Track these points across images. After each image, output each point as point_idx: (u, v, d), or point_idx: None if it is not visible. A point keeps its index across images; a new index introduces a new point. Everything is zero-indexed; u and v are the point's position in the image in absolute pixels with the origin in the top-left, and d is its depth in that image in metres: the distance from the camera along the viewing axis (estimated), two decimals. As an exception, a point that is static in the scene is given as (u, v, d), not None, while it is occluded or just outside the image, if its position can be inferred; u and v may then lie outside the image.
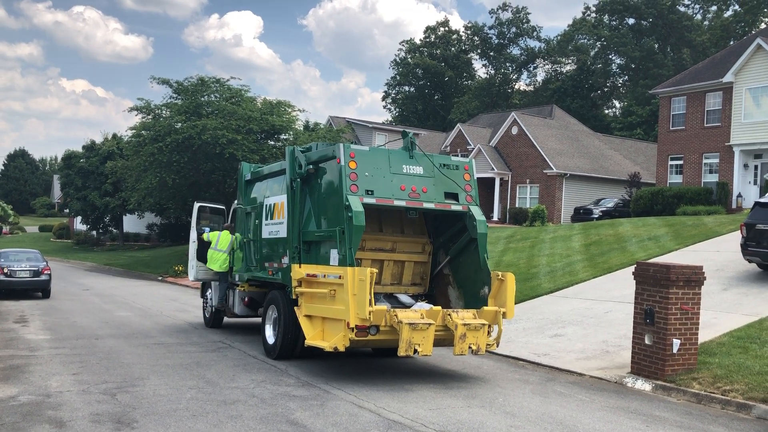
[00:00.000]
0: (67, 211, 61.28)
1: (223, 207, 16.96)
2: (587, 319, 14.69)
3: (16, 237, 69.96)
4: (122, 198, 47.69)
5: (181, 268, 33.25)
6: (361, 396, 8.90)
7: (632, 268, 18.62)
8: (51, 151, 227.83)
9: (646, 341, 10.33)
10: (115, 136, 55.82)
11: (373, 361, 11.77)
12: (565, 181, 41.72)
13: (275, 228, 12.22)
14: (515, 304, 17.09)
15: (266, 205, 12.76)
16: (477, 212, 11.05)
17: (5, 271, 21.30)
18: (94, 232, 58.45)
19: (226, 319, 15.63)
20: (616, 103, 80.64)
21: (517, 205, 43.32)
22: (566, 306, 16.25)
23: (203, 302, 16.37)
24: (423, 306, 10.53)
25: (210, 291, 15.70)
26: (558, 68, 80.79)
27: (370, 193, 10.30)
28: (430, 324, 9.35)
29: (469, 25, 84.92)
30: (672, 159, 35.00)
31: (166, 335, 14.08)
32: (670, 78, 55.67)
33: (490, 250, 25.83)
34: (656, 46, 70.10)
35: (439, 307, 10.09)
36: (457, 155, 49.12)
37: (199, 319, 16.78)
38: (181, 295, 24.75)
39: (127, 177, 38.95)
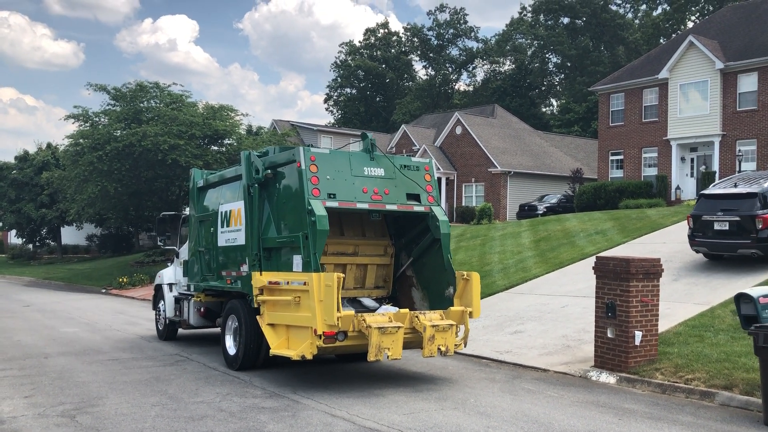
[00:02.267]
0: (0, 225, 58.82)
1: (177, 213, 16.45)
2: (545, 315, 14.86)
3: (-55, 253, 66.88)
4: (60, 209, 46.13)
5: (125, 280, 32.27)
6: (332, 404, 8.73)
7: (583, 263, 19.23)
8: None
9: (609, 335, 10.49)
10: (49, 145, 53.93)
11: (337, 366, 11.62)
12: (509, 178, 42.36)
13: (232, 235, 11.88)
14: (472, 302, 17.38)
15: (221, 212, 12.39)
16: (439, 212, 11.03)
17: (-61, 290, 20.23)
18: (31, 246, 56.37)
19: (180, 330, 15.23)
20: (554, 102, 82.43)
21: (463, 204, 43.76)
22: (523, 302, 16.42)
23: (156, 314, 15.88)
24: (389, 309, 10.40)
25: (162, 302, 15.27)
26: (497, 68, 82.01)
27: (332, 196, 10.14)
28: (399, 327, 9.28)
29: (408, 26, 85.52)
30: (612, 154, 35.93)
31: (120, 350, 13.58)
32: (607, 75, 57.21)
33: (441, 250, 26.07)
34: (591, 44, 71.86)
35: (407, 310, 9.98)
36: (403, 156, 49.36)
37: (152, 332, 16.27)
38: (128, 308, 24.00)
39: (66, 187, 37.62)
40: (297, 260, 10.05)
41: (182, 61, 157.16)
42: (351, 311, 9.57)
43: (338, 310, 9.07)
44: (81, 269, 44.35)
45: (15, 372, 11.18)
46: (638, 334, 10.22)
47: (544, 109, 79.77)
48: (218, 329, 12.68)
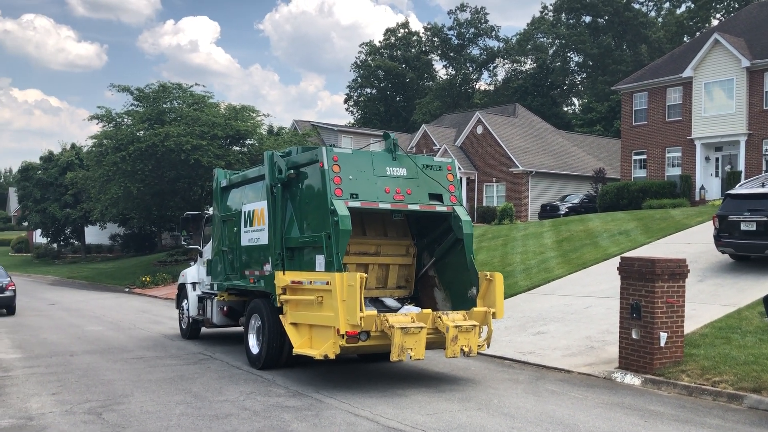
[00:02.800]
0: (25, 224, 59.65)
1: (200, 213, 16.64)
2: (568, 316, 14.75)
3: (-28, 252, 67.98)
4: (84, 209, 46.66)
5: (148, 279, 32.58)
6: (355, 403, 8.74)
7: (606, 263, 19.06)
8: (4, 163, 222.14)
9: (634, 336, 10.38)
10: (73, 146, 54.54)
11: (359, 366, 11.63)
12: (530, 178, 42.10)
13: (255, 235, 11.92)
14: (495, 303, 17.31)
15: (244, 212, 12.42)
16: (462, 212, 10.96)
17: (-33, 288, 20.56)
18: (55, 245, 57.06)
19: (204, 329, 15.32)
20: (575, 101, 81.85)
21: (484, 204, 43.59)
22: (545, 303, 16.31)
23: (179, 313, 16.05)
24: (412, 309, 10.39)
25: (186, 301, 15.38)
26: (518, 67, 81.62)
27: (354, 196, 10.13)
28: (422, 327, 9.24)
29: (429, 26, 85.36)
30: (636, 154, 35.56)
31: (144, 349, 13.71)
32: (629, 74, 56.65)
33: (463, 250, 25.99)
34: (613, 43, 71.26)
35: (429, 310, 9.95)
36: (425, 156, 49.25)
37: (175, 331, 16.42)
38: (152, 307, 24.22)
39: (89, 187, 38.05)
40: (320, 260, 10.04)
41: (204, 62, 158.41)
42: (374, 311, 9.56)
43: (361, 309, 9.03)
44: (104, 268, 44.85)
45: (42, 369, 11.33)
46: (663, 336, 10.10)
47: (565, 109, 79.23)
48: (241, 328, 12.69)
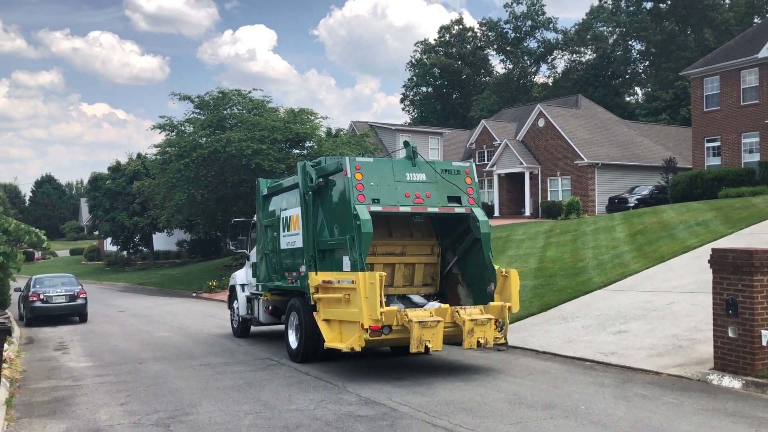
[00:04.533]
0: (96, 233, 61.44)
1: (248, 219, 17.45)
2: (650, 313, 13.89)
3: (49, 262, 70.54)
4: (151, 216, 47.64)
5: (215, 283, 32.87)
6: (431, 412, 8.25)
7: (687, 256, 18.02)
8: (76, 175, 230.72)
9: (730, 334, 9.55)
10: (139, 155, 55.82)
11: (428, 370, 11.13)
12: (597, 170, 40.73)
13: (292, 239, 12.74)
14: (568, 300, 16.58)
15: (283, 218, 13.31)
16: (479, 213, 11.63)
17: (41, 297, 21.01)
18: (125, 253, 58.54)
19: (252, 327, 16.09)
20: (638, 90, 79.23)
21: (549, 199, 42.42)
22: (623, 300, 15.45)
23: (231, 313, 16.92)
24: (433, 305, 11.00)
25: (236, 302, 16.30)
26: (577, 58, 79.57)
27: (376, 201, 10.94)
28: (438, 321, 9.95)
29: (484, 21, 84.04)
30: (708, 141, 33.92)
31: (211, 355, 13.55)
32: (694, 60, 54.39)
33: (530, 246, 25.20)
34: (677, 28, 68.57)
35: (447, 305, 10.64)
36: (483, 152, 48.50)
37: (246, 338, 16.25)
38: (218, 311, 24.28)
39: (155, 195, 38.75)
40: (346, 260, 10.83)
41: (261, 70, 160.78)
42: (394, 307, 10.23)
43: (381, 305, 9.82)
44: (172, 274, 45.65)
45: (111, 378, 11.25)
46: (765, 334, 9.24)
47: (627, 99, 76.70)
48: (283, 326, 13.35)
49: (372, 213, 10.74)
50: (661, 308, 14.02)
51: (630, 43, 73.61)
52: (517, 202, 45.46)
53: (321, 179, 11.71)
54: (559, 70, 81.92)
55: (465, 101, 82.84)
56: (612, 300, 15.70)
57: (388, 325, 9.87)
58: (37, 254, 72.68)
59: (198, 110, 35.29)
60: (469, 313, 10.43)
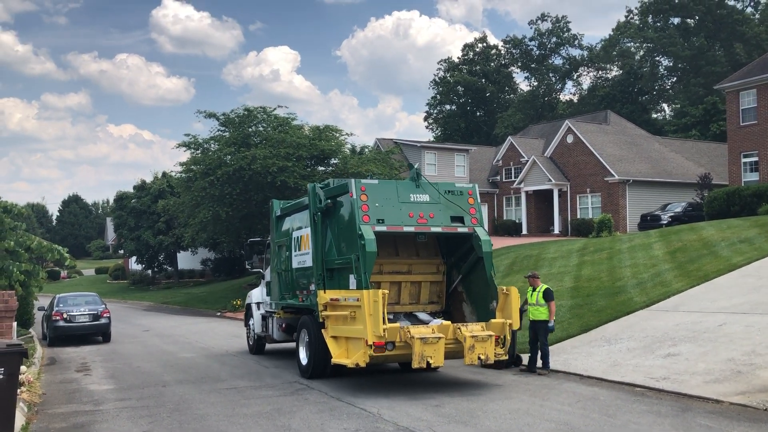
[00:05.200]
0: (121, 251, 61.56)
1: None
2: (700, 335, 13.07)
3: (74, 281, 70.81)
4: (176, 235, 47.46)
5: (239, 303, 32.41)
6: (477, 444, 7.58)
7: (733, 275, 17.13)
8: (102, 195, 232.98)
9: (800, 359, 8.77)
10: (164, 174, 55.87)
11: (465, 395, 10.44)
12: (628, 187, 39.81)
13: (303, 258, 13.00)
14: (609, 321, 15.78)
15: (294, 238, 13.62)
16: (482, 233, 11.92)
17: (65, 316, 20.64)
18: (150, 271, 58.44)
19: (267, 345, 16.56)
20: (665, 107, 78.04)
21: (578, 216, 41.53)
22: (669, 321, 14.63)
23: (247, 330, 17.41)
24: (436, 322, 11.28)
25: (252, 320, 16.72)
26: (603, 75, 78.72)
27: (381, 221, 11.29)
28: (440, 338, 10.26)
29: (508, 38, 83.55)
30: (745, 156, 32.90)
31: (237, 378, 12.99)
32: (724, 75, 53.36)
33: (563, 264, 24.39)
34: (706, 43, 67.50)
35: (449, 322, 10.97)
36: (510, 169, 47.78)
37: (272, 358, 15.78)
38: (243, 331, 23.61)
39: (180, 213, 38.53)
40: (352, 279, 11.08)
41: (285, 90, 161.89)
42: (397, 324, 10.54)
43: (384, 322, 10.16)
44: (197, 293, 45.34)
45: (134, 402, 10.72)
46: (841, 359, 8.46)
47: (654, 116, 75.48)
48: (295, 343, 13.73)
49: (377, 233, 11.08)
50: (712, 330, 13.19)
51: (657, 59, 72.67)
52: (545, 220, 44.61)
53: (329, 200, 12.06)
54: (584, 86, 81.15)
55: (489, 119, 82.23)
56: (656, 321, 14.88)
57: (391, 341, 10.21)
58: (63, 273, 73.01)
59: (223, 128, 35.09)
60: (471, 329, 10.72)
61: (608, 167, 39.79)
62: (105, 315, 21.19)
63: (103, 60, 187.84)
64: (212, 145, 34.75)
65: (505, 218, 47.55)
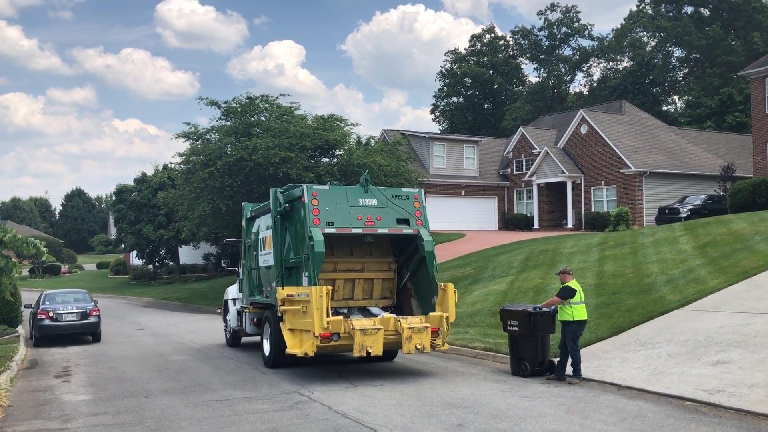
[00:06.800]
0: (122, 246, 60.19)
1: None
2: (751, 339, 11.62)
3: (75, 275, 69.59)
4: (176, 229, 46.08)
5: (239, 299, 31.02)
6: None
7: (776, 271, 15.65)
8: (107, 189, 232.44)
9: None
10: (166, 167, 54.43)
11: (489, 407, 9.02)
12: (644, 179, 38.23)
13: (267, 257, 13.79)
14: (641, 322, 14.28)
15: (260, 239, 14.50)
16: (425, 234, 12.87)
17: (51, 315, 19.27)
18: (151, 266, 57.12)
19: (243, 339, 17.39)
20: (676, 99, 76.21)
21: (593, 209, 39.99)
22: (711, 322, 13.18)
23: (224, 325, 18.26)
24: (383, 315, 12.17)
25: (229, 315, 17.63)
26: (614, 66, 76.94)
27: (330, 224, 12.21)
28: (379, 329, 11.26)
29: (517, 29, 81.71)
30: (771, 146, 31.32)
31: (231, 386, 11.59)
32: (742, 64, 51.70)
33: (583, 260, 22.86)
34: (721, 32, 65.67)
35: (390, 315, 12.06)
36: (521, 160, 46.19)
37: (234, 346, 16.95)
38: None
39: (179, 206, 37.14)
40: (304, 277, 11.99)
41: (290, 85, 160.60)
42: (340, 317, 11.49)
43: (328, 316, 11.14)
44: (198, 288, 43.97)
45: (108, 419, 9.31)
46: None
47: (665, 108, 73.62)
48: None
49: (327, 234, 12.06)
50: (764, 334, 11.74)
51: (670, 48, 70.89)
52: (558, 214, 43.09)
53: (287, 204, 12.91)
54: (595, 78, 79.37)
55: (497, 111, 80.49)
56: (696, 322, 13.43)
57: (336, 332, 11.19)
58: (64, 268, 71.88)
59: (224, 117, 33.64)
60: (410, 322, 11.71)
61: (624, 158, 38.23)
62: (94, 313, 19.82)
63: (109, 55, 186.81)
64: (212, 136, 33.33)
65: (516, 212, 46.04)
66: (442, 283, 12.57)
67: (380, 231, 12.69)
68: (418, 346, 11.42)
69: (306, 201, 12.12)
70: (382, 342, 11.15)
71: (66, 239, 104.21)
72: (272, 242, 13.21)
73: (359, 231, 12.50)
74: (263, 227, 14.39)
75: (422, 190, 13.84)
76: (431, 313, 12.15)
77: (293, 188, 13.13)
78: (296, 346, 11.76)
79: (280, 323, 12.16)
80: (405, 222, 12.88)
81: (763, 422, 8.11)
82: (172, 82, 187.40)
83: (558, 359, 11.69)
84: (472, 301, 20.17)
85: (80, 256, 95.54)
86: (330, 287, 11.43)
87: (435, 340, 11.89)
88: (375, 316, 12.43)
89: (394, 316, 11.91)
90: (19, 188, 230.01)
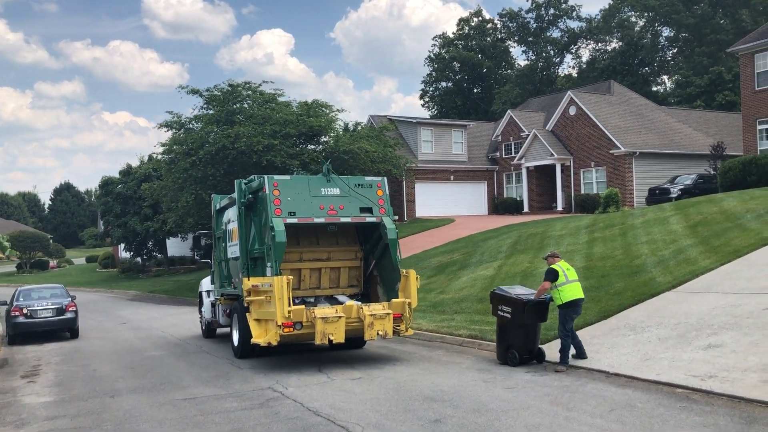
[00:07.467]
0: (109, 239, 59.50)
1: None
2: (743, 321, 11.17)
3: (63, 270, 68.83)
4: (161, 220, 45.42)
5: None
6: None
7: (768, 249, 15.23)
8: (96, 183, 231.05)
9: None
10: (151, 158, 53.63)
11: (469, 401, 8.55)
12: (634, 160, 37.78)
13: (233, 249, 13.74)
14: (631, 306, 13.81)
15: (228, 230, 14.46)
16: (388, 222, 12.80)
17: (25, 311, 18.68)
18: (139, 259, 56.44)
19: (218, 330, 17.30)
20: (666, 78, 75.69)
21: (582, 192, 39.54)
22: (702, 304, 12.73)
23: (199, 317, 18.20)
24: (347, 302, 12.12)
25: (203, 307, 17.68)
26: (603, 47, 76.31)
27: (292, 214, 12.11)
28: (340, 317, 11.25)
29: (505, 12, 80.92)
30: (761, 123, 30.88)
31: (202, 383, 11.07)
32: (731, 42, 51.17)
33: (572, 242, 22.41)
34: (709, 10, 65.09)
35: (352, 302, 11.92)
36: (510, 144, 45.66)
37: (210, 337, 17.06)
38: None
39: (163, 197, 36.48)
40: (268, 267, 11.95)
41: (279, 74, 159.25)
42: (302, 306, 11.46)
43: (290, 305, 11.14)
44: (186, 281, 43.37)
45: (65, 422, 8.77)
46: None
47: (655, 88, 73.10)
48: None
49: (289, 224, 11.98)
50: (757, 314, 11.28)
51: (658, 28, 70.27)
52: (547, 197, 42.65)
53: (251, 195, 12.82)
54: (584, 59, 78.75)
55: (486, 95, 79.85)
56: (687, 304, 12.98)
57: (299, 321, 11.17)
58: (52, 262, 71.07)
59: (206, 105, 32.94)
60: (372, 309, 11.66)
61: (613, 139, 37.75)
62: (71, 309, 19.24)
63: (96, 47, 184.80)
64: (195, 125, 32.65)
65: (505, 196, 45.58)
66: (404, 270, 12.60)
67: (343, 220, 12.65)
68: (380, 333, 11.45)
69: (267, 191, 12.06)
70: (343, 330, 11.17)
71: (55, 234, 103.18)
72: (238, 234, 13.11)
73: (322, 220, 12.46)
74: (230, 219, 14.34)
75: (385, 178, 13.74)
76: (394, 300, 12.20)
77: (256, 179, 12.97)
78: (261, 335, 11.75)
79: (247, 314, 12.20)
80: (368, 210, 12.85)
81: (758, 409, 7.65)
82: (161, 73, 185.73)
83: (559, 348, 11.14)
84: (460, 287, 19.70)
85: (70, 251, 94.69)
86: (291, 277, 11.42)
87: (398, 326, 11.93)
88: (342, 304, 12.34)
89: (357, 303, 11.83)
90: (9, 184, 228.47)
